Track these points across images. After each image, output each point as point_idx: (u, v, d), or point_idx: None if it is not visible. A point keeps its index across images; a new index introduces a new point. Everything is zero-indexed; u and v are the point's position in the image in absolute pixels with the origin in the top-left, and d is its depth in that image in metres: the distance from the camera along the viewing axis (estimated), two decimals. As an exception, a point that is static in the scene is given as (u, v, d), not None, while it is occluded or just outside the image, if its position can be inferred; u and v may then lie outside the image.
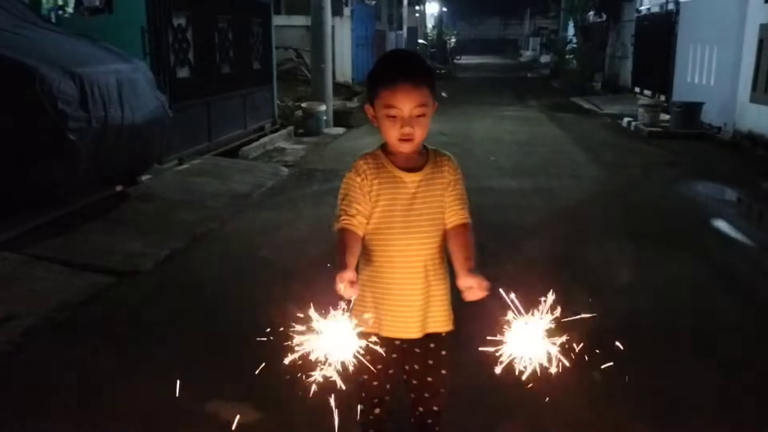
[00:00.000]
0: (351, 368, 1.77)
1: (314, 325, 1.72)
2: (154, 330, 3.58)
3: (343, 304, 1.76)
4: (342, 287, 1.79)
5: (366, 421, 2.26)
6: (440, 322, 2.11)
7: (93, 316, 3.77)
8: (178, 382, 2.68)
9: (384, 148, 2.05)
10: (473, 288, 1.85)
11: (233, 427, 2.66)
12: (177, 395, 2.88)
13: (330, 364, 1.75)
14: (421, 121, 1.94)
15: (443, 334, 2.13)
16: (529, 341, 1.76)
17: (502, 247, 4.95)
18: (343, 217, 1.99)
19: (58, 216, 5.08)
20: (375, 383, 2.17)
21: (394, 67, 1.98)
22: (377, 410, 2.23)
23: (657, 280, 4.44)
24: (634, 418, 2.76)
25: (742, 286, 4.43)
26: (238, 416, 2.73)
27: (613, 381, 3.04)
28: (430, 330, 2.10)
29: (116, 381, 3.03)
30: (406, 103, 1.91)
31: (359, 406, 2.24)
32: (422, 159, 2.05)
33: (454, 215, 2.04)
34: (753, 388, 3.03)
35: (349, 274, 1.81)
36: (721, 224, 5.87)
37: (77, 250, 4.66)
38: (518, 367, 1.76)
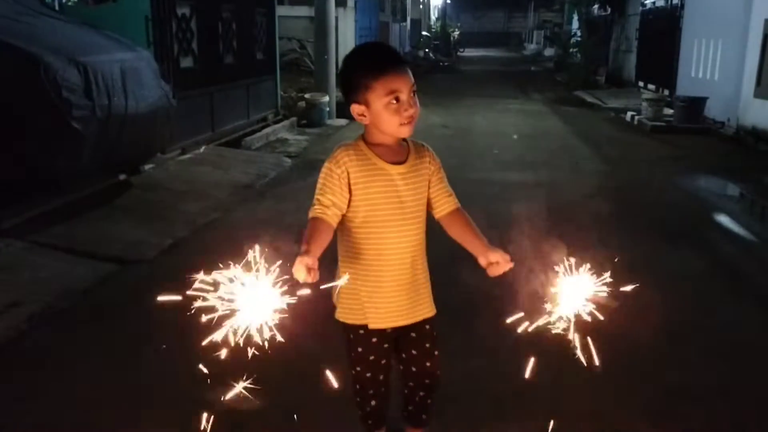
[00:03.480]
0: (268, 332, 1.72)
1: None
2: (156, 318, 3.59)
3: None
4: (298, 270, 1.75)
5: (364, 413, 2.28)
6: (428, 307, 2.16)
7: (96, 304, 3.79)
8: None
9: (365, 140, 2.02)
10: (500, 263, 1.93)
11: (235, 414, 2.69)
12: (178, 382, 2.91)
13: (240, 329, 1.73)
14: (415, 100, 1.96)
15: (432, 318, 2.18)
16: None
17: (503, 241, 4.95)
18: (316, 207, 1.97)
19: (62, 204, 5.10)
20: (368, 375, 2.18)
21: (382, 56, 1.98)
22: (373, 402, 2.24)
23: (659, 274, 4.45)
24: (634, 410, 2.77)
25: (744, 281, 4.44)
26: (240, 403, 2.75)
27: (614, 375, 3.06)
28: (420, 316, 2.14)
29: (119, 368, 3.05)
30: (406, 85, 1.92)
31: (356, 399, 2.26)
32: (404, 149, 2.05)
33: (446, 203, 2.07)
34: (754, 383, 3.05)
35: (308, 259, 1.78)
36: (724, 219, 5.88)
37: (80, 237, 4.68)
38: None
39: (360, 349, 2.15)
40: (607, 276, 1.92)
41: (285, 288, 1.70)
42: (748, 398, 2.89)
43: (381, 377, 2.21)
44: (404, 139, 2.05)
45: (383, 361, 2.18)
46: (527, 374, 1.98)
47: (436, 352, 2.22)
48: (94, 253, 4.42)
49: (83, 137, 4.78)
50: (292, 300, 1.70)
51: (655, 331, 3.54)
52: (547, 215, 5.84)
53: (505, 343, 3.31)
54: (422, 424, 2.36)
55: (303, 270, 1.75)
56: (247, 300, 1.70)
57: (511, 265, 1.92)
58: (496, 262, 1.93)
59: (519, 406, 2.76)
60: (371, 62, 1.95)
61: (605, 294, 1.84)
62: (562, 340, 3.08)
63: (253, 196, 6.32)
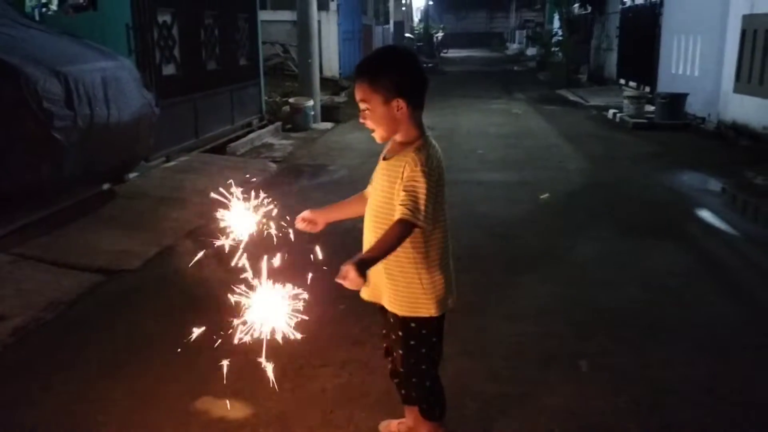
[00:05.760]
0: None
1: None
2: (142, 328, 3.59)
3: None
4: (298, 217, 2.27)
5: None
6: (391, 303, 2.22)
7: (82, 315, 3.77)
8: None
9: None
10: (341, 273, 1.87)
11: (223, 424, 2.69)
12: (166, 392, 2.91)
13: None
14: (367, 114, 2.11)
15: (398, 315, 2.22)
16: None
17: (488, 240, 4.98)
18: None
19: (45, 215, 5.07)
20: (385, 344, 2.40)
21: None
22: (390, 365, 2.40)
23: (642, 269, 4.49)
24: (620, 407, 2.80)
25: (725, 275, 4.49)
26: (227, 413, 2.75)
27: (599, 372, 3.09)
28: (381, 301, 2.26)
29: (105, 380, 3.04)
30: (358, 96, 2.11)
31: None
32: (399, 149, 2.15)
33: (396, 210, 2.07)
34: (738, 378, 3.09)
35: (306, 212, 2.30)
36: (705, 214, 5.94)
37: (65, 249, 4.65)
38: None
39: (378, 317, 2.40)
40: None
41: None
42: (732, 394, 2.92)
43: (384, 344, 2.42)
44: (414, 140, 2.15)
45: (383, 330, 2.38)
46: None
47: (400, 350, 2.28)
48: (79, 264, 4.39)
49: (65, 148, 4.75)
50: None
51: (639, 327, 3.58)
52: (529, 214, 5.89)
53: (493, 345, 3.34)
54: (405, 401, 2.44)
55: (299, 221, 2.30)
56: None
57: (338, 281, 1.87)
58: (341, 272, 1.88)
59: (505, 405, 2.79)
60: None
61: None
62: (546, 340, 3.10)
63: (238, 202, 6.30)
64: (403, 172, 2.07)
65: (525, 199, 6.38)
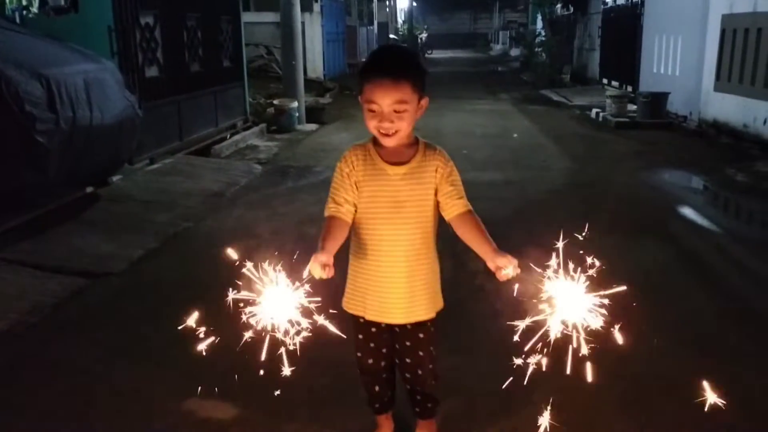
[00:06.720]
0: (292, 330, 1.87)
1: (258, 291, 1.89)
2: (128, 330, 3.57)
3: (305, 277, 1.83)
4: (314, 267, 1.87)
5: (370, 397, 2.38)
6: (424, 310, 2.17)
7: (66, 319, 3.75)
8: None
9: (375, 139, 2.09)
10: (507, 267, 1.88)
11: (211, 424, 2.69)
12: (154, 393, 2.90)
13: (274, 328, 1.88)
14: (403, 116, 1.97)
15: (428, 323, 2.20)
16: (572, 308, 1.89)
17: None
18: (331, 205, 2.08)
19: (29, 219, 5.03)
20: (370, 361, 2.27)
21: (375, 62, 2.03)
22: (377, 387, 2.33)
23: (626, 266, 4.53)
24: (602, 401, 2.83)
25: (707, 271, 4.55)
26: (215, 413, 2.75)
27: (582, 370, 3.11)
28: (414, 319, 2.17)
29: (91, 381, 3.03)
30: (383, 99, 1.95)
31: (362, 383, 2.37)
32: (411, 152, 2.08)
33: (454, 206, 2.07)
34: (717, 369, 3.13)
35: (322, 257, 1.88)
36: (688, 211, 6.01)
37: (49, 252, 4.61)
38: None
39: (361, 336, 2.24)
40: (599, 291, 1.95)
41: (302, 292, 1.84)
42: (715, 388, 2.96)
43: (383, 364, 2.29)
44: (416, 141, 2.11)
45: (384, 350, 2.27)
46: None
47: (430, 366, 2.26)
48: (63, 268, 4.36)
49: (48, 151, 4.72)
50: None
51: (622, 324, 3.61)
52: (516, 214, 5.92)
53: (481, 342, 3.36)
54: (423, 416, 2.42)
55: (318, 267, 1.86)
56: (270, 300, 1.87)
57: (518, 270, 1.88)
58: (503, 267, 1.90)
59: (492, 402, 2.80)
60: (367, 65, 2.03)
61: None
62: (531, 337, 3.10)
63: (224, 204, 6.29)
64: (436, 170, 2.07)
65: (510, 198, 6.41)
